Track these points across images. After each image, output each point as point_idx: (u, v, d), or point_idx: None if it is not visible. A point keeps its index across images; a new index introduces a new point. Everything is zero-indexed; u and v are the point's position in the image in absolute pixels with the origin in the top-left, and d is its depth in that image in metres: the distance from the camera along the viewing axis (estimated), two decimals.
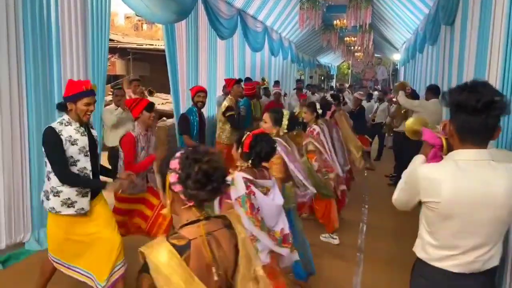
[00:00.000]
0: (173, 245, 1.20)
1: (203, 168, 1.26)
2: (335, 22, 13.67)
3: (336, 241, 4.35)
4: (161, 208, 3.46)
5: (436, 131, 1.83)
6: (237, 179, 2.25)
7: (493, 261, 1.58)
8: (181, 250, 1.21)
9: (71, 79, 2.85)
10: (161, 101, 9.22)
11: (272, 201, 2.37)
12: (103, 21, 4.53)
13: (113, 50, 12.37)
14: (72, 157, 2.62)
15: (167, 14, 5.26)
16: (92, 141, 2.74)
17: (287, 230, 2.42)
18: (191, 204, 1.30)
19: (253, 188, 2.27)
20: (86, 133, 2.69)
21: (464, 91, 1.46)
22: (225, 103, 5.38)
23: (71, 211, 2.67)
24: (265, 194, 2.35)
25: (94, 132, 2.82)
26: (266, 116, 3.16)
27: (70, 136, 2.60)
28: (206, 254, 1.24)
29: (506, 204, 1.48)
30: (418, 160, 1.78)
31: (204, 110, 6.23)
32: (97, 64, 4.49)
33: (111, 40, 14.29)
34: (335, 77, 29.59)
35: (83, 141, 2.66)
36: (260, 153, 2.32)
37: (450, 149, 1.64)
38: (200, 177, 1.26)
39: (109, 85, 9.98)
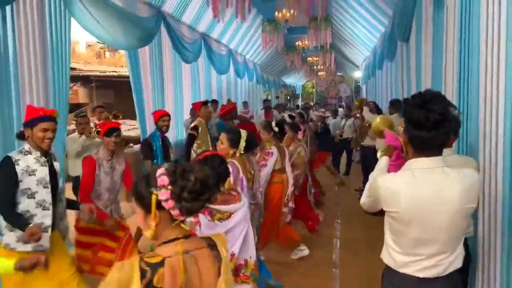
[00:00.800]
0: (146, 263, 1.18)
1: (199, 177, 1.25)
2: (297, 43, 14.04)
3: (306, 251, 4.33)
4: (127, 242, 3.31)
5: (397, 133, 1.89)
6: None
7: (456, 264, 1.62)
8: (154, 268, 1.17)
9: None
10: (127, 127, 9.05)
11: (230, 228, 2.25)
12: (64, 49, 4.39)
13: (75, 79, 12.09)
14: (29, 188, 2.48)
15: (130, 40, 5.24)
16: (53, 173, 2.61)
17: (241, 261, 2.32)
18: (182, 219, 1.28)
19: (201, 218, 2.17)
20: (47, 163, 2.56)
21: (415, 108, 1.51)
22: (193, 124, 5.38)
23: (28, 247, 2.48)
24: (227, 219, 2.26)
25: (56, 165, 2.68)
26: (222, 136, 3.03)
27: (28, 166, 2.47)
28: (179, 273, 1.20)
29: (460, 208, 1.54)
30: (382, 162, 1.85)
31: (171, 135, 6.19)
32: (58, 92, 4.34)
33: (72, 68, 14.05)
34: (300, 96, 30.20)
35: (43, 171, 2.52)
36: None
37: None
38: (197, 187, 1.24)
39: (73, 113, 9.71)
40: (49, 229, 2.55)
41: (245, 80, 13.27)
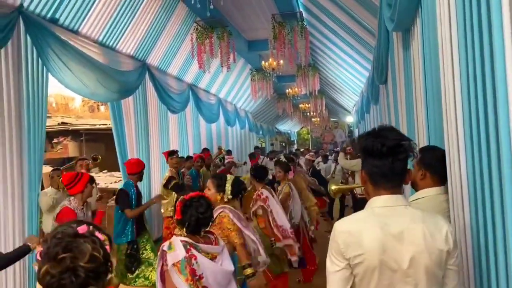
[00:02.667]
0: None
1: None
2: (287, 90, 14.29)
3: None
4: None
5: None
6: (175, 243, 2.08)
7: None
8: None
9: None
10: (115, 179, 8.92)
11: (220, 266, 2.16)
12: (40, 103, 4.34)
13: (65, 133, 12.14)
14: None
15: (108, 93, 5.26)
16: None
17: None
18: None
19: (194, 251, 2.08)
20: None
21: (369, 137, 1.46)
22: (166, 175, 5.42)
23: None
24: (212, 259, 2.15)
25: None
26: (209, 182, 3.05)
27: None
28: None
29: (425, 248, 1.39)
30: None
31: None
32: (33, 147, 4.25)
33: (63, 123, 14.25)
34: (296, 142, 30.36)
35: None
36: (191, 218, 2.17)
37: None
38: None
39: (62, 167, 9.66)
40: None
41: (236, 128, 13.33)
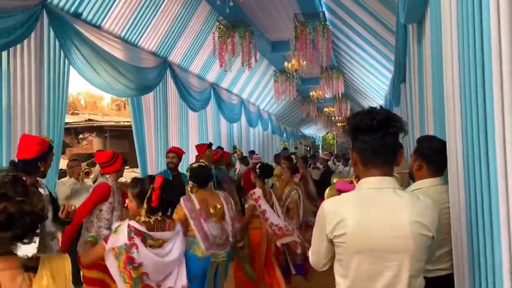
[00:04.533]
0: None
1: (11, 208, 1.09)
2: (311, 93, 14.18)
3: None
4: None
5: (348, 180, 1.75)
6: (122, 227, 2.10)
7: None
8: None
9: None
10: (135, 175, 9.09)
11: (161, 258, 2.16)
12: (60, 97, 4.47)
13: (90, 129, 12.55)
14: None
15: (127, 89, 5.37)
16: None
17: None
18: None
19: (137, 240, 2.07)
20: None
21: (359, 114, 1.45)
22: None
23: None
24: (159, 246, 2.17)
25: (42, 191, 2.60)
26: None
27: None
28: None
29: (410, 234, 1.35)
30: None
31: None
32: (52, 137, 4.38)
33: (90, 120, 14.70)
34: (321, 147, 30.04)
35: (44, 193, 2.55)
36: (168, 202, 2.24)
37: None
38: (2, 219, 1.08)
39: (85, 162, 9.97)
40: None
41: (258, 129, 13.31)
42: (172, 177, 4.46)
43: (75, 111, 15.87)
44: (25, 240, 1.14)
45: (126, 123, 13.09)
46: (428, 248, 1.38)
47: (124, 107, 17.69)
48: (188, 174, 3.31)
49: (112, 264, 2.03)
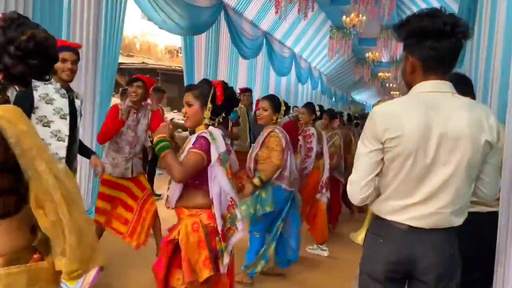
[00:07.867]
0: None
1: (39, 36, 1.10)
2: (367, 55, 13.55)
3: (326, 253, 4.03)
4: (145, 201, 3.34)
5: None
6: (216, 134, 1.94)
7: (456, 220, 1.38)
8: None
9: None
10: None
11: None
12: (116, 35, 4.51)
13: (142, 71, 12.82)
14: (45, 116, 2.49)
15: (177, 26, 5.35)
16: (72, 108, 2.62)
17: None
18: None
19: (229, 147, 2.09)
20: (66, 96, 2.58)
21: (425, 18, 1.33)
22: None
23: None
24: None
25: (77, 102, 2.69)
26: (265, 103, 3.13)
27: (47, 94, 2.49)
28: None
29: (469, 136, 1.32)
30: None
31: None
32: (107, 68, 4.51)
33: (144, 63, 15.02)
34: None
35: (61, 102, 2.54)
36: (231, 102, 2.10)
37: None
38: (30, 46, 1.09)
39: None
40: (63, 161, 2.54)
41: (307, 87, 13.03)
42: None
43: (130, 54, 16.27)
44: (46, 76, 1.20)
45: (177, 68, 13.30)
46: (485, 154, 1.36)
47: (177, 54, 17.94)
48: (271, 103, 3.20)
49: (220, 173, 1.91)
